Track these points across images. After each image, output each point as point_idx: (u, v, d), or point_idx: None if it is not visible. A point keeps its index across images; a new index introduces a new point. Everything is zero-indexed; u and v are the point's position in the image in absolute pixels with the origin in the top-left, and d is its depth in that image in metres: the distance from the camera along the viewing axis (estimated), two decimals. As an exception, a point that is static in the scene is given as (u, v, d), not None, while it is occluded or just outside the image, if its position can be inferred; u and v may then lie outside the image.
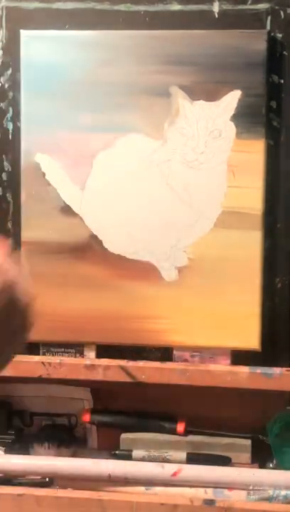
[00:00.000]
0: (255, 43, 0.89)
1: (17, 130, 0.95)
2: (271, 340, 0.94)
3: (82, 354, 0.97)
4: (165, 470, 0.93)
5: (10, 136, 0.96)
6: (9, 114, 0.96)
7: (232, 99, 0.90)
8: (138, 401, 0.99)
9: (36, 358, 0.96)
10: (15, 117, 0.95)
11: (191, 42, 0.90)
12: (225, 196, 0.92)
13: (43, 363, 0.95)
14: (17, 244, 0.96)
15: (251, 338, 0.93)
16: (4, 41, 0.95)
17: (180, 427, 0.97)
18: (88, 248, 0.95)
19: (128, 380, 0.94)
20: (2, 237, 0.69)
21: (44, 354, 0.97)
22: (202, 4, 0.91)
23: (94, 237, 0.94)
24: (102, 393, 1.00)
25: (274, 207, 0.93)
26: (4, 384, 1.00)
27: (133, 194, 0.93)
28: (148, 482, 0.93)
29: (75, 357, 0.97)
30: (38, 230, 0.95)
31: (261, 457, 0.97)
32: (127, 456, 0.96)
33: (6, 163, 0.97)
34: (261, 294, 0.92)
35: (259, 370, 0.92)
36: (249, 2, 0.91)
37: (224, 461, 0.95)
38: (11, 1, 0.94)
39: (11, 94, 0.96)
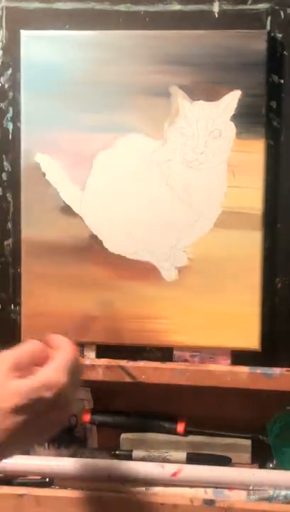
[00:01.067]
0: (255, 43, 0.89)
1: (17, 130, 0.95)
2: (271, 340, 0.94)
3: (82, 354, 0.97)
4: (165, 470, 0.93)
5: (10, 136, 0.96)
6: (9, 114, 0.96)
7: (232, 99, 0.90)
8: (138, 401, 0.99)
9: (36, 358, 0.96)
10: (16, 117, 0.95)
11: (191, 42, 0.90)
12: (225, 196, 0.92)
13: (43, 363, 0.95)
14: (17, 244, 0.97)
15: (251, 338, 0.93)
16: (4, 41, 0.95)
17: (180, 427, 0.97)
18: (88, 248, 0.95)
19: (128, 380, 0.94)
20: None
21: (44, 354, 0.97)
22: (202, 4, 0.91)
23: (94, 237, 0.94)
24: (102, 393, 1.00)
25: (274, 207, 0.93)
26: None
27: (133, 194, 0.94)
28: (148, 482, 0.94)
29: (75, 357, 0.97)
30: (38, 230, 0.95)
31: (261, 457, 0.98)
32: (127, 456, 0.96)
33: (6, 163, 0.97)
34: (261, 294, 0.92)
35: (259, 370, 0.92)
36: (249, 2, 0.91)
37: (225, 461, 0.95)
38: (11, 1, 0.94)
39: (11, 94, 0.96)
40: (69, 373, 0.71)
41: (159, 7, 0.92)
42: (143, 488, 0.93)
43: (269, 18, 0.90)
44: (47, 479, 0.94)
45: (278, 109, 0.91)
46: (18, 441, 0.69)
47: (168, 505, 0.90)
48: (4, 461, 0.94)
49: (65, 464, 0.95)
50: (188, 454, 0.96)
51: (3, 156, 0.97)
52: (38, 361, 0.72)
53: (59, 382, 0.70)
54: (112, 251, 0.94)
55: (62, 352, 0.73)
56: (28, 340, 0.74)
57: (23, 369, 0.70)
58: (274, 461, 0.97)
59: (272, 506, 0.91)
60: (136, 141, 0.93)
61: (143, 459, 0.96)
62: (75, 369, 0.73)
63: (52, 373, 0.70)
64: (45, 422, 0.70)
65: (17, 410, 0.68)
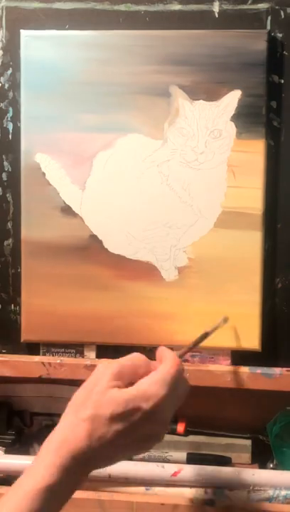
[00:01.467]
0: (255, 43, 0.89)
1: (17, 130, 0.95)
2: (271, 340, 0.94)
3: (82, 354, 0.97)
4: (165, 470, 0.93)
5: (10, 136, 0.96)
6: (9, 114, 0.96)
7: (232, 99, 0.90)
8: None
9: (36, 358, 0.96)
10: (15, 117, 0.95)
11: (191, 42, 0.90)
12: (225, 196, 0.92)
13: (43, 363, 0.95)
14: (17, 244, 0.97)
15: (251, 338, 0.93)
16: (4, 41, 0.95)
17: (180, 427, 0.97)
18: (88, 248, 0.95)
19: (128, 380, 0.94)
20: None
21: (44, 354, 0.97)
22: (202, 4, 0.91)
23: (94, 237, 0.94)
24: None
25: (274, 207, 0.93)
26: (4, 384, 1.00)
27: (133, 194, 0.94)
28: (148, 482, 0.94)
29: (75, 357, 0.97)
30: (38, 230, 0.95)
31: (261, 457, 0.98)
32: (127, 456, 0.96)
33: (6, 163, 0.97)
34: (261, 294, 0.92)
35: (259, 370, 0.92)
36: (249, 2, 0.91)
37: (224, 461, 0.95)
38: (11, 1, 0.94)
39: (10, 94, 0.96)
40: (168, 387, 0.72)
41: (159, 7, 0.92)
42: (143, 488, 0.93)
43: (269, 18, 0.90)
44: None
45: (278, 109, 0.91)
46: (112, 451, 0.71)
47: (168, 505, 0.90)
48: (4, 460, 0.94)
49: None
50: (188, 454, 0.96)
51: (3, 156, 0.97)
52: (140, 373, 0.73)
53: (157, 394, 0.71)
54: (112, 251, 0.94)
55: (165, 365, 0.74)
56: (133, 353, 0.75)
57: (124, 380, 0.72)
58: (274, 461, 0.97)
59: (272, 506, 0.91)
60: (136, 141, 0.93)
61: (143, 459, 0.96)
62: (177, 383, 0.73)
63: (151, 385, 0.71)
64: (140, 435, 0.71)
65: (113, 418, 0.69)
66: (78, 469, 0.70)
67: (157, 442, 0.74)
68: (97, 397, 0.71)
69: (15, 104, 0.95)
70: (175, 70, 0.91)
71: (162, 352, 0.77)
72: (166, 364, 0.74)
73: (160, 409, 0.71)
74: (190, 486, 0.93)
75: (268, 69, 0.90)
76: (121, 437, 0.70)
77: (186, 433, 0.98)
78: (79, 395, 0.73)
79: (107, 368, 0.73)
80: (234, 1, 0.91)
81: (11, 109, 0.96)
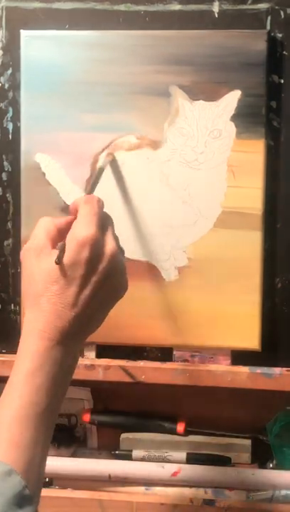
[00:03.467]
0: (255, 43, 0.89)
1: (17, 130, 0.95)
2: (271, 340, 0.94)
3: (81, 354, 0.96)
4: (165, 470, 0.94)
5: (10, 136, 0.96)
6: (9, 114, 0.96)
7: (232, 99, 0.90)
8: (138, 401, 0.99)
9: (36, 358, 0.96)
10: (15, 117, 0.95)
11: (191, 42, 0.90)
12: (225, 196, 0.92)
13: (42, 363, 0.95)
14: (17, 244, 0.97)
15: (251, 338, 0.93)
16: (4, 41, 0.95)
17: (180, 427, 0.97)
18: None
19: (128, 380, 0.94)
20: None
21: (44, 354, 0.97)
22: (202, 4, 0.91)
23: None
24: (102, 393, 1.00)
25: (274, 207, 0.93)
26: (4, 384, 1.00)
27: (133, 194, 0.93)
28: (148, 482, 0.94)
29: (75, 357, 0.97)
30: (38, 230, 0.95)
31: (261, 457, 0.98)
32: (127, 456, 0.97)
33: (6, 163, 0.97)
34: (261, 294, 0.92)
35: (259, 370, 0.92)
36: (249, 2, 0.91)
37: (224, 461, 0.95)
38: (11, 1, 0.94)
39: (10, 94, 0.96)
40: (97, 225, 0.70)
41: (159, 7, 0.92)
42: (143, 488, 0.93)
43: (269, 18, 0.90)
44: (47, 479, 0.94)
45: (278, 109, 0.91)
46: (94, 308, 0.71)
47: (168, 505, 0.90)
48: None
49: (65, 463, 0.95)
50: (187, 454, 0.96)
51: (3, 156, 0.97)
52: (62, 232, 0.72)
53: (88, 235, 0.69)
54: (112, 251, 0.94)
55: (82, 209, 0.72)
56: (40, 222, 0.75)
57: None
58: (274, 461, 0.97)
59: (272, 506, 0.91)
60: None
61: (143, 459, 0.96)
62: (105, 220, 0.72)
63: (79, 229, 0.70)
64: (104, 289, 0.71)
65: (52, 282, 0.68)
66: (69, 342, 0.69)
67: (124, 289, 0.75)
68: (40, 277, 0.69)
69: (15, 104, 0.95)
70: (175, 70, 0.91)
71: (74, 204, 0.74)
72: (83, 207, 0.72)
73: (101, 248, 0.70)
74: (190, 486, 0.93)
75: (268, 69, 0.90)
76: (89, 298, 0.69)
77: (186, 433, 0.98)
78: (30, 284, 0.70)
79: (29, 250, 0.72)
80: (234, 1, 0.91)
81: (10, 109, 0.96)
